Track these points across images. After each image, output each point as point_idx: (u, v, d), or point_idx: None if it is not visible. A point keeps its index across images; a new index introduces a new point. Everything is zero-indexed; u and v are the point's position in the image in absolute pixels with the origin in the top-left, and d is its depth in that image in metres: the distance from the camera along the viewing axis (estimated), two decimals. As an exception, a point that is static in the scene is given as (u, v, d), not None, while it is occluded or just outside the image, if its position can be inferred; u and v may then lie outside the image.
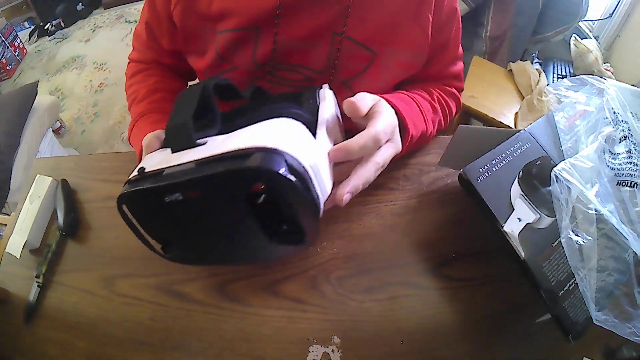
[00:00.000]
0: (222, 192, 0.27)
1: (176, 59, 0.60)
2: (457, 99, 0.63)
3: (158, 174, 0.28)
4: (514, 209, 0.42)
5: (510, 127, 1.29)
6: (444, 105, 0.59)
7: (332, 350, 0.44)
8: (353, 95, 0.38)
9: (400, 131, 0.45)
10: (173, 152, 0.29)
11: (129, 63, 0.65)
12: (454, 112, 0.62)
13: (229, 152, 0.26)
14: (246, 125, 0.30)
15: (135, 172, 0.30)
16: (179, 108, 0.30)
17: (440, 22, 0.53)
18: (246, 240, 0.33)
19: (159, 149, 0.36)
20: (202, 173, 0.26)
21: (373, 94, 0.41)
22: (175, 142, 0.29)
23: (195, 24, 0.51)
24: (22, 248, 0.54)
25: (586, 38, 1.54)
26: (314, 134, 0.33)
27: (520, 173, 0.44)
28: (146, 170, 0.29)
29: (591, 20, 1.63)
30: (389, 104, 0.43)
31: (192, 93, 0.31)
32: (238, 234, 0.32)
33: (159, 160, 0.30)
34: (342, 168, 0.37)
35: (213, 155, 0.27)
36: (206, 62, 0.54)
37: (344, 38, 0.50)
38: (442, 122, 0.59)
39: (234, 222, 0.31)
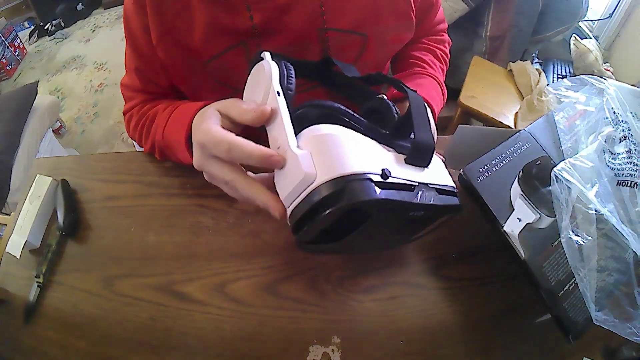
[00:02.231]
0: (429, 214, 0.34)
1: (180, 92, 0.56)
2: (448, 42, 0.68)
3: (407, 188, 0.28)
4: (514, 209, 0.42)
5: (510, 127, 1.29)
6: (446, 58, 0.66)
7: (332, 350, 0.44)
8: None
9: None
10: (408, 163, 0.31)
11: (125, 115, 0.60)
12: (449, 53, 0.68)
13: (446, 185, 0.35)
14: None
15: (369, 170, 0.26)
16: (423, 123, 0.31)
17: None
18: (391, 240, 0.43)
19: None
20: (443, 202, 0.32)
21: (373, 72, 0.43)
22: (418, 158, 0.31)
23: (182, 58, 0.49)
24: (22, 248, 0.54)
25: (586, 38, 1.54)
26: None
27: (520, 173, 0.44)
28: (392, 177, 0.27)
29: (591, 20, 1.63)
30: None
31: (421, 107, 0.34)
32: (388, 237, 0.40)
33: (383, 160, 0.28)
34: None
35: (442, 185, 0.34)
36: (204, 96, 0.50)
37: (328, 31, 0.50)
38: (445, 70, 0.66)
39: (395, 231, 0.38)
